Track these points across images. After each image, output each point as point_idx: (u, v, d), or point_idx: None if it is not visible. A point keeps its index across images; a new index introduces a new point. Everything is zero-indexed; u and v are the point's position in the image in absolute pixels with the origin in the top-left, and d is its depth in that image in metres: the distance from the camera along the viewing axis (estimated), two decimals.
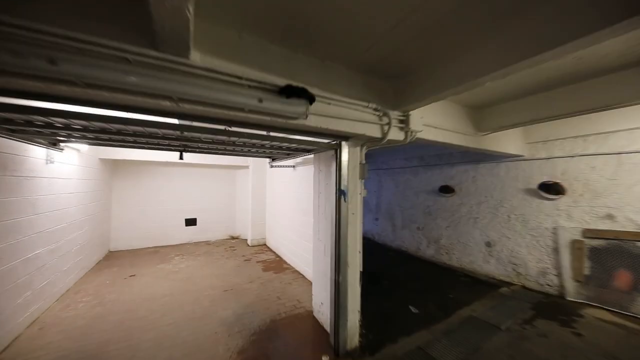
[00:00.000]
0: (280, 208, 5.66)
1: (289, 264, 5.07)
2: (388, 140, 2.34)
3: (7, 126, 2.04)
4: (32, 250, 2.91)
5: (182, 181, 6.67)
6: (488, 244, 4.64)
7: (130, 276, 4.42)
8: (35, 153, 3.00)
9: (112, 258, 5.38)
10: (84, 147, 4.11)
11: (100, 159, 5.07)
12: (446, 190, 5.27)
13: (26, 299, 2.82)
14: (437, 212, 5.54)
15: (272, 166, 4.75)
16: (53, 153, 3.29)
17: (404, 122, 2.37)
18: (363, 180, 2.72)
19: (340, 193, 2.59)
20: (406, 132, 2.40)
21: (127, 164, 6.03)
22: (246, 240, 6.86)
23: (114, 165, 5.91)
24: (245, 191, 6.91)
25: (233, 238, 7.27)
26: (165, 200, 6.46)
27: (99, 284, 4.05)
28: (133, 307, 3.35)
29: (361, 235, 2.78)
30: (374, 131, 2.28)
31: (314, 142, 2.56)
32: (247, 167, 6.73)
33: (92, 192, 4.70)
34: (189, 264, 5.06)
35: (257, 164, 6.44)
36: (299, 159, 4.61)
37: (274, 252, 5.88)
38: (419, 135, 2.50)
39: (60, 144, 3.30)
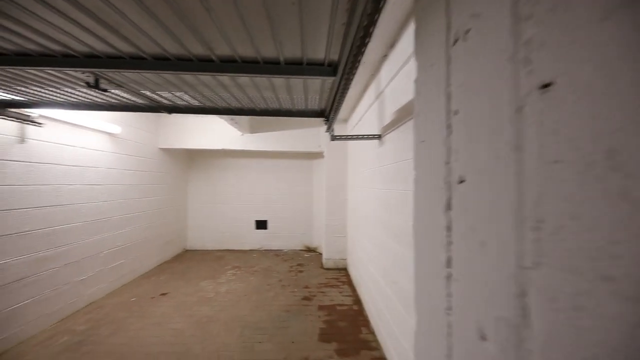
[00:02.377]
0: (360, 218, 3.24)
1: (372, 328, 2.58)
2: None
3: None
4: None
5: (252, 176, 5.55)
6: None
7: (161, 294, 3.40)
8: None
9: (176, 261, 4.82)
10: (116, 129, 3.39)
11: (160, 148, 4.53)
12: None
13: None
14: None
15: (334, 137, 2.45)
16: (32, 129, 2.46)
17: None
18: None
19: None
20: None
21: (195, 156, 5.50)
22: (322, 256, 4.88)
23: (188, 158, 5.49)
24: (322, 189, 4.94)
25: (309, 250, 5.49)
26: (235, 198, 5.53)
27: (120, 302, 3.18)
28: None
29: None
30: None
31: None
32: (322, 154, 4.73)
33: (145, 186, 4.12)
34: (232, 288, 3.60)
35: (334, 146, 4.29)
36: (388, 118, 2.06)
37: (354, 288, 3.52)
38: None
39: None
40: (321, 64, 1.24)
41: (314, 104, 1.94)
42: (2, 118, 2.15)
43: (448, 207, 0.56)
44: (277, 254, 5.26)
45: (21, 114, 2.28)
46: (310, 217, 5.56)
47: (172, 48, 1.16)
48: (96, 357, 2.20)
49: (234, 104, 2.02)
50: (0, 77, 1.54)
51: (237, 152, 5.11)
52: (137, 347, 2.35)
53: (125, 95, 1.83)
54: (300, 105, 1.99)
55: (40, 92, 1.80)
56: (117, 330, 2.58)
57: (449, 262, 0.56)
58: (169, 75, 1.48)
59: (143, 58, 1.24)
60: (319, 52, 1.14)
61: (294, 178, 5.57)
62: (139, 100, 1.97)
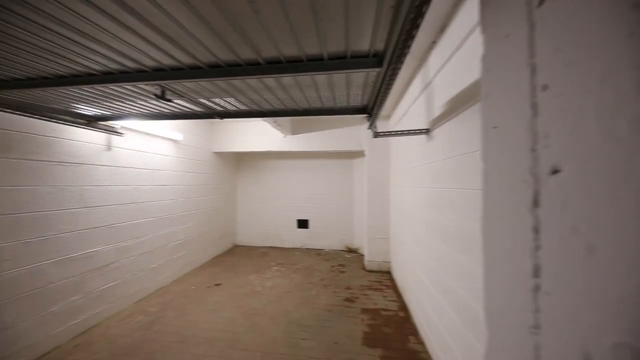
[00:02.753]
0: (406, 219, 3.05)
1: (421, 338, 2.39)
2: None
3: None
4: (79, 249, 2.52)
5: (294, 176, 5.72)
6: None
7: (216, 285, 3.72)
8: (88, 137, 2.63)
9: (227, 254, 5.24)
10: (179, 136, 3.84)
11: (213, 152, 4.98)
12: None
13: (70, 305, 2.42)
14: None
15: (377, 134, 2.33)
16: (116, 139, 2.93)
17: None
18: None
19: None
20: None
21: (243, 158, 5.90)
22: (364, 257, 4.75)
23: (237, 160, 5.92)
24: (363, 188, 4.82)
25: (350, 251, 5.41)
26: (278, 197, 5.77)
27: (182, 289, 3.57)
28: (163, 346, 2.30)
29: None
30: None
31: None
32: (363, 152, 4.62)
33: (201, 186, 4.57)
34: (277, 284, 3.75)
35: (376, 145, 4.15)
36: (438, 110, 1.88)
37: (399, 294, 3.33)
38: None
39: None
40: (365, 56, 1.18)
41: (356, 100, 1.88)
42: (94, 130, 2.61)
43: (535, 203, 0.46)
44: (318, 253, 5.31)
45: (107, 126, 2.73)
46: (351, 217, 5.47)
47: (223, 55, 1.24)
48: (164, 336, 2.50)
49: (278, 105, 2.08)
50: (91, 95, 1.86)
51: (280, 153, 5.33)
52: (197, 330, 2.60)
53: (185, 104, 2.04)
54: (342, 103, 1.96)
55: (120, 106, 2.12)
56: (181, 314, 2.91)
57: (536, 271, 0.46)
58: (220, 82, 1.60)
59: (200, 67, 1.35)
60: (363, 42, 1.09)
61: (335, 178, 5.56)
62: (196, 108, 2.17)
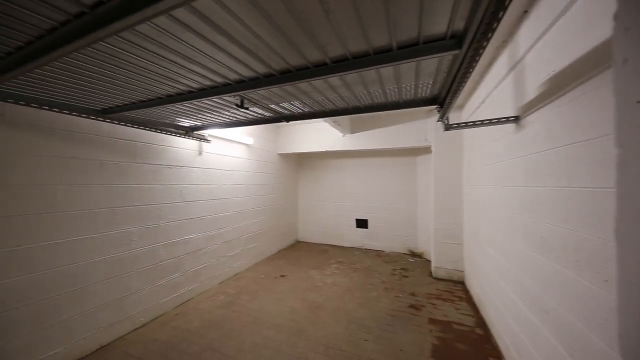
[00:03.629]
0: (486, 223, 2.65)
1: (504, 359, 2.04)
2: None
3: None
4: (179, 236, 3.09)
5: (353, 175, 5.70)
6: None
7: (281, 276, 4.01)
8: (180, 144, 3.20)
9: (290, 249, 5.59)
10: (250, 141, 4.31)
11: (278, 153, 5.40)
12: None
13: (173, 280, 3.00)
14: None
15: (449, 126, 2.08)
16: (205, 145, 3.48)
17: None
18: None
19: None
20: None
21: (303, 158, 6.19)
22: (430, 263, 4.35)
23: (298, 160, 6.27)
24: (429, 187, 4.43)
25: (413, 255, 5.04)
26: (337, 196, 5.85)
27: (254, 277, 3.98)
28: (240, 325, 2.63)
29: None
30: None
31: None
32: (429, 148, 4.26)
33: (268, 185, 5.01)
34: (337, 281, 3.80)
35: (445, 139, 3.77)
36: (533, 92, 1.57)
37: (475, 308, 2.93)
38: None
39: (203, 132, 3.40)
40: (441, 38, 1.08)
41: (426, 90, 1.74)
42: (190, 138, 3.16)
43: None
44: (378, 254, 5.15)
45: (199, 134, 3.27)
46: (415, 218, 5.10)
47: (293, 60, 1.33)
48: (240, 316, 2.84)
49: (340, 104, 2.11)
50: (189, 109, 2.26)
51: (339, 152, 5.39)
52: (266, 315, 2.86)
53: (258, 110, 2.27)
54: (408, 95, 1.84)
55: (209, 116, 2.52)
56: (253, 299, 3.25)
57: None
58: (288, 87, 1.72)
59: (273, 75, 1.49)
60: (440, 23, 1.00)
61: (396, 176, 5.29)
62: (266, 113, 2.40)
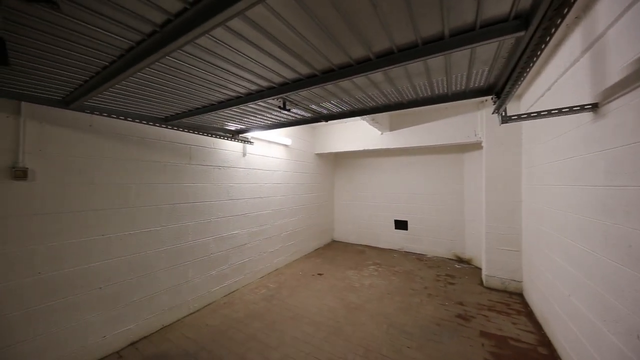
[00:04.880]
0: (552, 228, 2.31)
1: None
2: None
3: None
4: (227, 231, 3.34)
5: (392, 174, 5.50)
6: None
7: (318, 274, 4.07)
8: (227, 146, 3.45)
9: (327, 248, 5.62)
10: (288, 141, 4.45)
11: (315, 154, 5.47)
12: None
13: (222, 272, 3.25)
14: None
15: (507, 119, 1.85)
16: (248, 146, 3.69)
17: None
18: None
19: None
20: None
21: (339, 158, 6.16)
22: (480, 270, 3.96)
23: (335, 160, 6.27)
24: (479, 187, 4.04)
25: (460, 260, 4.65)
26: (374, 196, 5.70)
27: (292, 273, 4.10)
28: (281, 319, 2.73)
29: None
30: None
31: None
32: (479, 144, 3.89)
33: (306, 185, 5.12)
34: (375, 283, 3.71)
35: (499, 133, 3.40)
36: (618, 74, 1.32)
37: (537, 324, 2.57)
38: None
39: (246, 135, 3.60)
40: (503, 20, 0.97)
41: (480, 79, 1.58)
42: (236, 141, 3.40)
43: None
44: (419, 258, 4.87)
45: (244, 137, 3.49)
46: (462, 221, 4.70)
47: (336, 58, 1.33)
48: (281, 310, 2.95)
49: (381, 100, 2.04)
50: (236, 114, 2.42)
51: (377, 151, 5.24)
52: (304, 311, 2.92)
53: (299, 111, 2.33)
54: (458, 86, 1.70)
55: (253, 120, 2.67)
56: (292, 294, 3.35)
57: None
58: (330, 86, 1.72)
59: (315, 75, 1.51)
60: (502, 3, 0.89)
61: (440, 175, 4.95)
62: (306, 114, 2.45)
